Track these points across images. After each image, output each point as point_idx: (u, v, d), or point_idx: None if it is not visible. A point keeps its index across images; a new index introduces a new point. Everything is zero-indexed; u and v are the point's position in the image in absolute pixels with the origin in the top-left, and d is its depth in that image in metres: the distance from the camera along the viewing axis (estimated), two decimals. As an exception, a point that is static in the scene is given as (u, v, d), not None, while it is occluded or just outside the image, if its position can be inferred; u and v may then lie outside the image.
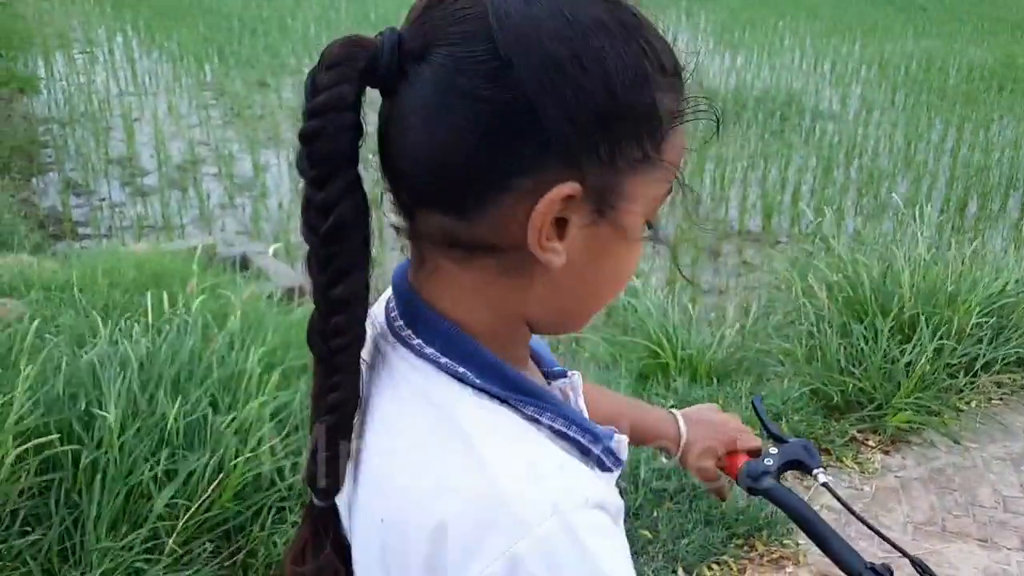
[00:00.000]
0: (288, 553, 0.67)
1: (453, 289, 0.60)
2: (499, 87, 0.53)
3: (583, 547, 0.52)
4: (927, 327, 3.44)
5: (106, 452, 2.11)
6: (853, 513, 0.99)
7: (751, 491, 1.00)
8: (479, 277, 0.59)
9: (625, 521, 0.60)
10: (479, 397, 0.59)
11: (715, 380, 3.49)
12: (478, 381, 0.59)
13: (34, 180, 7.25)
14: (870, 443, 3.29)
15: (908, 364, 3.39)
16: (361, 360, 0.61)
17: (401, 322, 0.62)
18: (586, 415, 0.73)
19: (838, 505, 0.99)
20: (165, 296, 2.72)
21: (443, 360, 0.59)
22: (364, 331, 0.60)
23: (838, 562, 0.93)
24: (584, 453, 0.61)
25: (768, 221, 6.86)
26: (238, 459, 2.17)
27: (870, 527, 0.99)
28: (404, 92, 0.55)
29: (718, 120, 0.62)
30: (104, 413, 2.12)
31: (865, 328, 3.53)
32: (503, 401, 0.59)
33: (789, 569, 2.60)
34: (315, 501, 0.63)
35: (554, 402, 0.62)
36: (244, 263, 5.18)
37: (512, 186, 0.55)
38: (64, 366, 2.32)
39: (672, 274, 5.36)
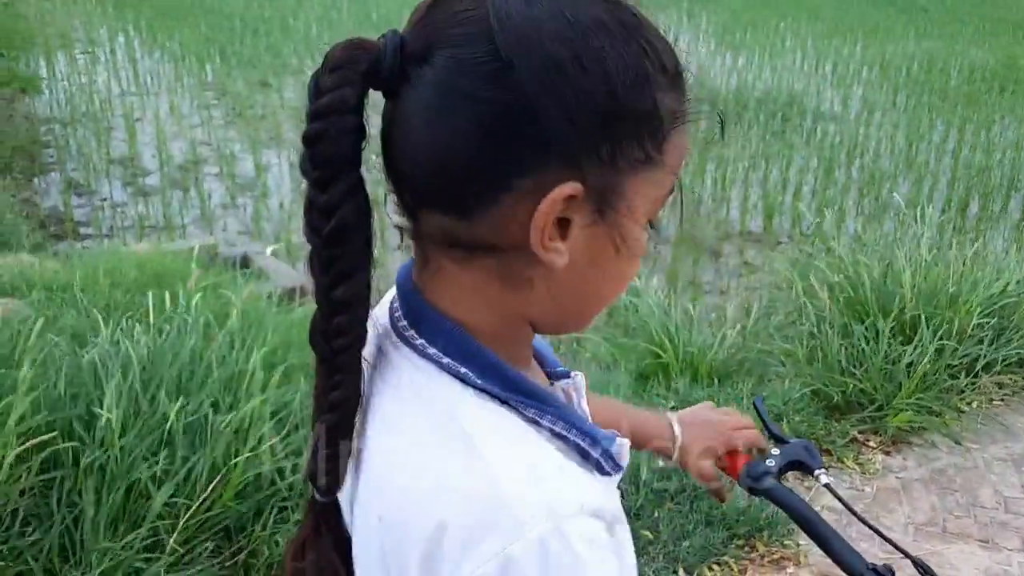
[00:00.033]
0: (289, 547, 0.67)
1: (456, 289, 0.60)
2: (500, 88, 0.53)
3: (575, 554, 0.52)
4: (928, 328, 3.44)
5: (107, 452, 2.12)
6: (854, 514, 0.99)
7: (752, 491, 1.00)
8: (481, 277, 0.59)
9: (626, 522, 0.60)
10: (480, 398, 0.59)
11: (716, 381, 3.49)
12: (479, 382, 0.59)
13: (36, 180, 7.26)
14: (871, 444, 3.29)
15: (909, 365, 3.39)
16: (363, 360, 0.61)
17: (404, 322, 0.62)
18: (589, 417, 0.73)
19: (839, 506, 0.99)
20: (167, 296, 2.72)
21: (445, 360, 0.59)
22: (365, 331, 0.60)
23: (839, 563, 0.93)
24: (584, 457, 0.61)
25: (769, 222, 6.86)
26: (238, 458, 2.18)
27: (871, 528, 0.99)
28: (406, 94, 0.56)
29: (722, 122, 0.62)
30: (105, 413, 2.13)
31: (866, 329, 3.53)
32: (504, 402, 0.59)
33: (790, 570, 2.60)
34: (317, 497, 0.64)
35: (555, 404, 0.62)
36: (245, 263, 5.19)
37: (514, 186, 0.55)
38: (65, 366, 2.33)
39: (673, 274, 5.37)
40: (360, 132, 0.56)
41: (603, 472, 0.62)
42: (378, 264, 0.60)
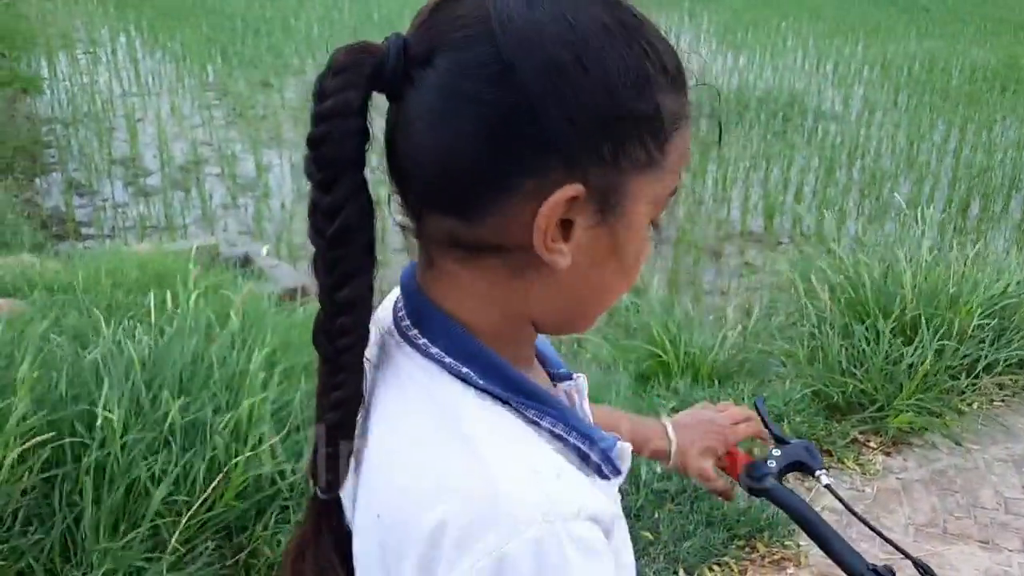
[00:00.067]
0: (288, 546, 0.68)
1: (459, 289, 0.60)
2: (502, 91, 0.53)
3: (570, 556, 0.52)
4: (929, 328, 3.44)
5: (108, 452, 2.12)
6: (855, 514, 0.99)
7: (753, 492, 1.00)
8: (484, 278, 0.59)
9: (626, 522, 0.60)
10: (481, 398, 0.59)
11: (717, 381, 3.49)
12: (481, 382, 0.59)
13: (37, 180, 7.27)
14: (871, 444, 3.29)
15: (910, 365, 3.39)
16: (366, 360, 0.61)
17: (408, 322, 0.63)
18: (591, 419, 0.73)
19: (839, 506, 0.99)
20: (168, 296, 2.72)
21: (447, 360, 0.60)
22: (368, 331, 0.60)
23: (840, 563, 0.93)
24: (583, 459, 0.61)
25: (770, 222, 6.86)
26: (238, 458, 2.18)
27: (872, 528, 0.99)
28: (410, 97, 0.56)
29: (720, 127, 0.63)
30: (107, 413, 2.13)
31: (867, 329, 3.53)
32: (505, 402, 0.59)
33: (790, 570, 2.60)
34: (318, 494, 0.64)
35: (556, 406, 0.62)
36: (246, 263, 5.20)
37: (516, 188, 0.55)
38: (67, 366, 2.33)
39: (674, 275, 5.37)
40: (364, 134, 0.56)
41: (602, 476, 0.62)
42: (381, 265, 0.60)
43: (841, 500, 0.99)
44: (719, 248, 6.43)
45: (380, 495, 0.59)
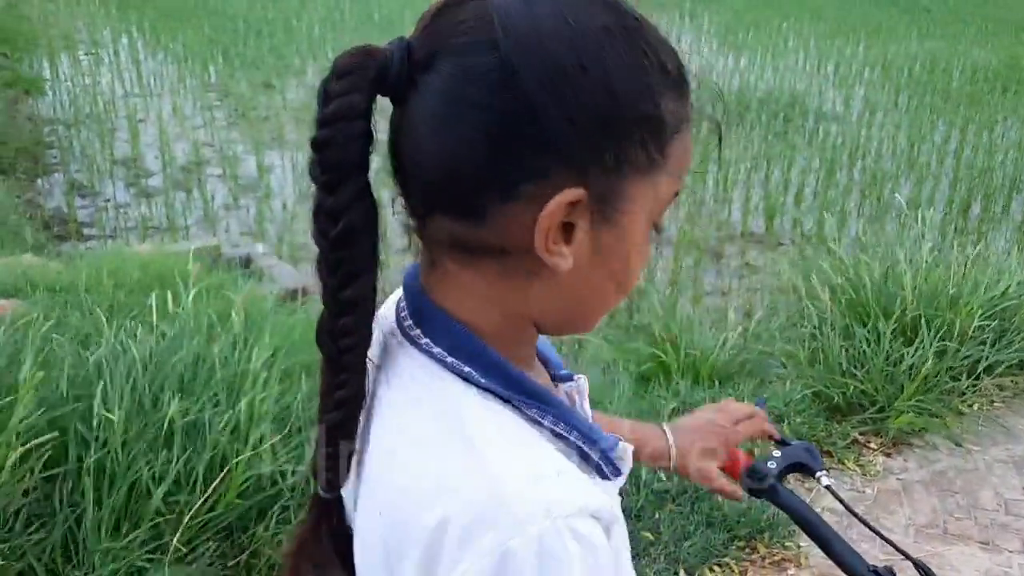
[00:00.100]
0: (289, 543, 0.68)
1: (461, 290, 0.61)
2: (505, 96, 0.54)
3: (572, 553, 0.52)
4: (929, 330, 3.44)
5: (109, 452, 2.12)
6: (855, 515, 0.99)
7: (753, 493, 1.00)
8: (487, 279, 0.60)
9: (627, 523, 0.60)
10: (483, 397, 0.59)
11: (717, 382, 3.49)
12: (483, 381, 0.59)
13: (39, 181, 7.27)
14: (872, 445, 3.29)
15: (910, 366, 3.39)
16: (368, 360, 0.62)
17: (410, 321, 0.63)
18: (591, 419, 0.73)
19: (840, 507, 1.00)
20: (170, 296, 2.73)
21: (449, 359, 0.60)
22: (371, 332, 0.61)
23: (840, 564, 0.93)
24: (583, 458, 0.62)
25: (771, 223, 6.86)
26: (239, 458, 2.18)
27: (872, 529, 0.99)
28: (414, 101, 0.56)
29: (719, 131, 0.63)
30: (108, 413, 2.13)
31: (867, 330, 3.53)
32: (506, 401, 0.60)
33: (791, 571, 2.60)
34: (320, 492, 0.65)
35: (557, 405, 0.62)
36: (248, 264, 5.20)
37: (519, 192, 0.55)
38: (68, 366, 2.33)
39: (675, 276, 5.37)
40: (368, 137, 0.57)
41: (603, 476, 0.63)
42: (383, 265, 0.60)
43: (841, 501, 0.99)
44: (720, 249, 6.43)
45: (382, 494, 0.60)
